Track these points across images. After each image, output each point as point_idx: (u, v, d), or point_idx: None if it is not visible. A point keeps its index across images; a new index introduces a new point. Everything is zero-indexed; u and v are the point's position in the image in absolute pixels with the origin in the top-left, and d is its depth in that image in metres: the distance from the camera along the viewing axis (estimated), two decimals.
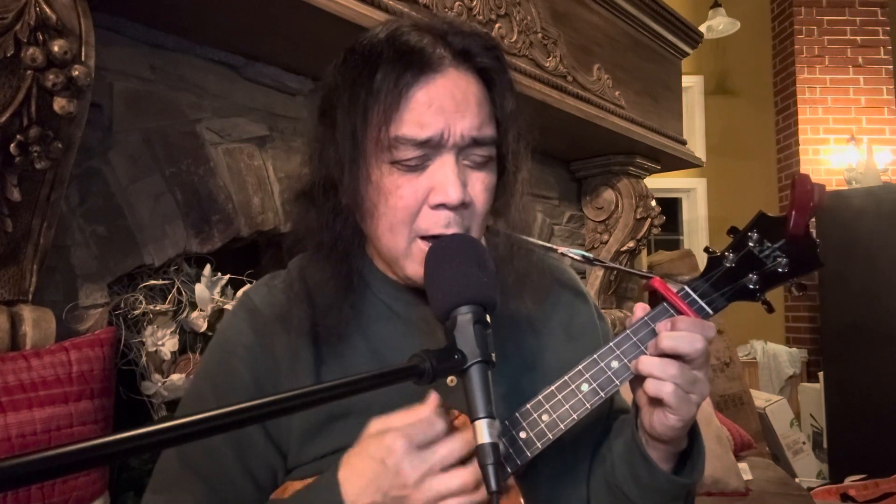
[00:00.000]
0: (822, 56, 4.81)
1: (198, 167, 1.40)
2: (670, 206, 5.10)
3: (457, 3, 1.68)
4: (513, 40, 1.90)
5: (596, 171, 2.70)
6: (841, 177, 4.53)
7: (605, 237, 2.71)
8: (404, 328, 0.78)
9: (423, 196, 0.70)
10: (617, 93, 2.36)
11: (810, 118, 4.80)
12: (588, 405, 0.72)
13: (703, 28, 4.29)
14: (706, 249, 0.80)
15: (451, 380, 0.75)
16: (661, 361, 0.69)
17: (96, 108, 1.23)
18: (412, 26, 0.72)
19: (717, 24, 4.53)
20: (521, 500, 0.68)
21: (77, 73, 0.97)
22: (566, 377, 0.73)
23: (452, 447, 0.60)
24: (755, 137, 5.14)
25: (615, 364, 0.73)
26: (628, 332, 0.74)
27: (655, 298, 0.78)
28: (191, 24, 1.34)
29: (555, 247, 0.98)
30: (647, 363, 0.69)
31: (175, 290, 1.35)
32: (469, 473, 0.59)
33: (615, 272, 2.67)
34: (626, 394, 0.80)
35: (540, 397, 0.72)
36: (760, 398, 3.88)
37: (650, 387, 0.69)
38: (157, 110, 1.34)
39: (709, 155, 4.96)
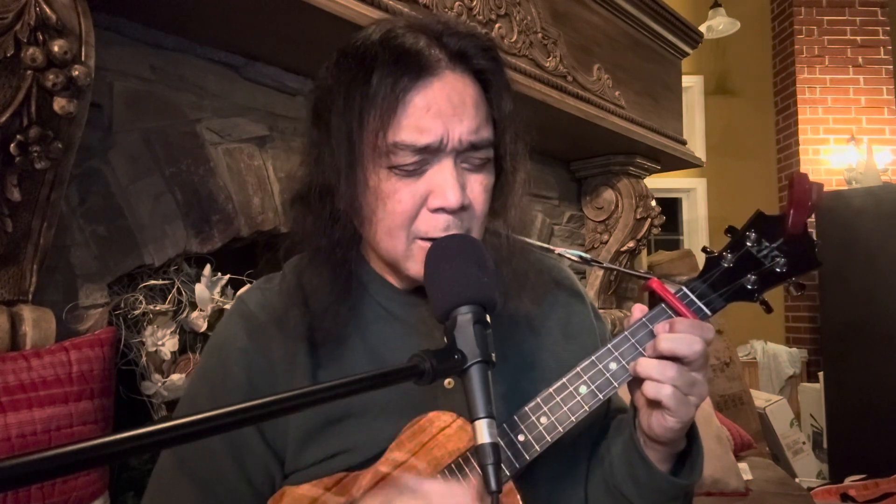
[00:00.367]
0: (822, 56, 4.81)
1: (198, 167, 1.40)
2: (670, 206, 5.10)
3: (457, 3, 1.68)
4: (513, 40, 1.90)
5: (596, 171, 2.70)
6: (841, 177, 4.53)
7: (605, 237, 2.71)
8: (402, 330, 0.77)
9: (422, 200, 0.69)
10: (617, 93, 2.36)
11: (810, 118, 4.80)
12: (586, 407, 0.72)
13: (703, 28, 4.29)
14: (704, 249, 0.80)
15: (448, 382, 0.75)
16: (660, 363, 0.69)
17: (96, 108, 1.23)
18: (406, 27, 0.71)
19: (717, 24, 4.52)
20: (520, 503, 0.68)
21: (77, 73, 0.97)
22: (564, 379, 0.73)
23: None
24: (755, 137, 5.14)
25: (613, 366, 0.73)
26: (626, 333, 0.74)
27: (655, 299, 0.77)
28: (191, 24, 1.34)
29: (552, 247, 0.98)
30: (646, 365, 0.69)
31: (175, 290, 1.35)
32: None
33: (615, 272, 2.67)
34: (624, 393, 0.80)
35: (538, 400, 0.72)
36: (760, 398, 3.88)
37: (648, 389, 0.69)
38: (157, 110, 1.34)
39: (709, 155, 4.96)
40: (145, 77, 1.33)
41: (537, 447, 0.70)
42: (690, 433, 0.75)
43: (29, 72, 0.93)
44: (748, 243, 0.77)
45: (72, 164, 1.08)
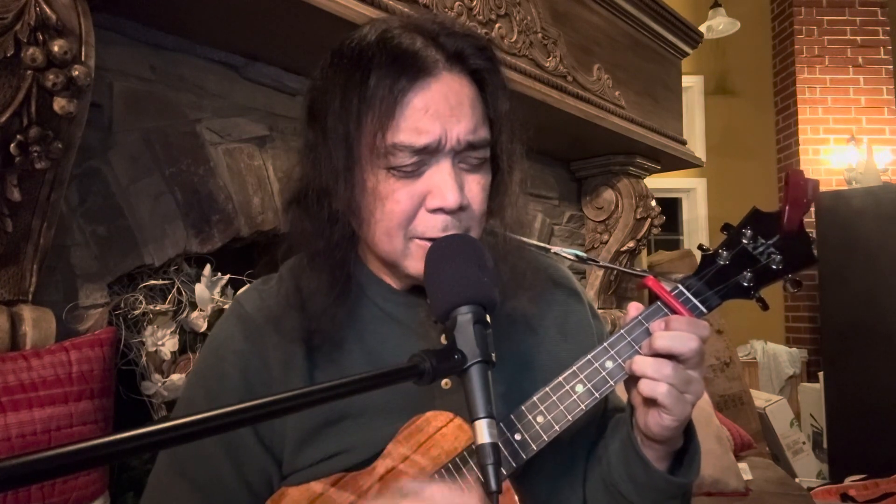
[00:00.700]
0: (822, 56, 4.81)
1: (198, 167, 1.40)
2: (670, 206, 5.10)
3: (457, 3, 1.68)
4: (513, 40, 1.90)
5: (596, 171, 2.70)
6: (841, 177, 4.53)
7: (605, 237, 2.71)
8: (400, 331, 0.77)
9: (420, 200, 0.69)
10: (617, 93, 2.36)
11: (810, 118, 4.80)
12: (583, 406, 0.72)
13: (703, 28, 4.29)
14: (700, 247, 0.79)
15: (445, 383, 0.75)
16: (656, 361, 0.69)
17: (96, 108, 1.23)
18: (401, 27, 0.71)
19: (717, 24, 4.52)
20: (518, 502, 0.68)
21: (77, 73, 0.97)
22: (560, 378, 0.73)
23: None
24: (755, 137, 5.14)
25: (610, 364, 0.73)
26: (622, 331, 0.74)
27: (653, 298, 0.77)
28: (191, 24, 1.34)
29: (548, 246, 0.98)
30: (641, 363, 0.69)
31: (175, 290, 1.35)
32: None
33: (615, 272, 2.67)
34: (622, 392, 0.80)
35: (535, 398, 0.72)
36: (760, 398, 3.88)
37: (644, 387, 0.69)
38: (157, 110, 1.34)
39: (709, 155, 4.96)
40: (145, 77, 1.33)
41: (534, 446, 0.70)
42: (688, 432, 0.76)
43: (29, 72, 0.93)
44: (744, 240, 0.77)
45: (72, 164, 1.08)
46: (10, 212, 1.01)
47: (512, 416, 0.72)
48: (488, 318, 0.61)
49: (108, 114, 1.26)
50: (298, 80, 1.60)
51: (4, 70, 0.92)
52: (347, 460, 0.71)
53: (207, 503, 0.73)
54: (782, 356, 4.56)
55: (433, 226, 0.69)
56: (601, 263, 1.02)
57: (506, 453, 0.70)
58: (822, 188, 3.84)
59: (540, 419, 0.71)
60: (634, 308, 0.76)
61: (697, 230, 5.15)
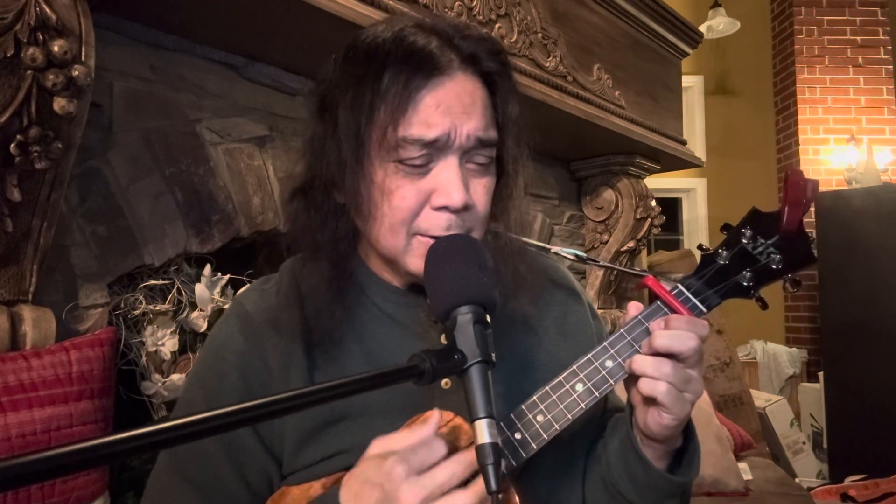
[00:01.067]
0: (822, 56, 4.81)
1: (198, 167, 1.40)
2: (670, 206, 5.10)
3: (457, 3, 1.68)
4: (513, 40, 1.90)
5: (596, 171, 2.70)
6: (841, 177, 4.53)
7: (605, 237, 2.71)
8: (399, 331, 0.77)
9: (425, 198, 0.70)
10: (617, 93, 2.36)
11: (810, 118, 4.80)
12: (583, 405, 0.72)
13: (703, 28, 4.29)
14: (700, 247, 0.80)
15: (445, 383, 0.75)
16: (655, 360, 0.69)
17: (96, 108, 1.23)
18: (417, 27, 0.71)
19: (717, 24, 4.52)
20: (517, 501, 0.68)
21: (77, 73, 0.97)
22: (560, 377, 0.73)
23: (453, 471, 0.59)
24: (755, 137, 5.14)
25: (609, 363, 0.73)
26: (622, 331, 0.74)
27: (652, 297, 0.78)
28: (191, 24, 1.34)
29: (548, 246, 0.98)
30: (641, 362, 0.70)
31: (175, 290, 1.35)
32: (469, 496, 0.58)
33: (615, 272, 2.67)
34: (621, 392, 0.80)
35: (535, 398, 0.72)
36: (760, 398, 3.88)
37: (644, 386, 0.69)
38: (157, 110, 1.34)
39: (709, 155, 4.96)
40: (145, 77, 1.33)
41: (534, 445, 0.71)
42: (687, 431, 0.76)
43: (29, 72, 0.93)
44: (744, 240, 0.77)
45: (72, 164, 1.08)
46: (10, 212, 1.01)
47: (512, 415, 0.72)
48: (488, 318, 0.61)
49: (108, 114, 1.26)
50: (298, 80, 1.60)
51: (4, 70, 0.92)
52: (347, 460, 0.71)
53: (207, 501, 0.73)
54: (782, 356, 4.56)
55: (437, 224, 0.70)
56: (601, 263, 1.02)
57: (506, 452, 0.70)
58: (822, 188, 3.85)
59: (540, 418, 0.71)
60: (634, 307, 0.76)
61: (697, 230, 5.15)
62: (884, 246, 3.75)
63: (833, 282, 3.94)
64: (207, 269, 1.39)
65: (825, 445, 3.98)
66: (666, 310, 0.75)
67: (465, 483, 0.60)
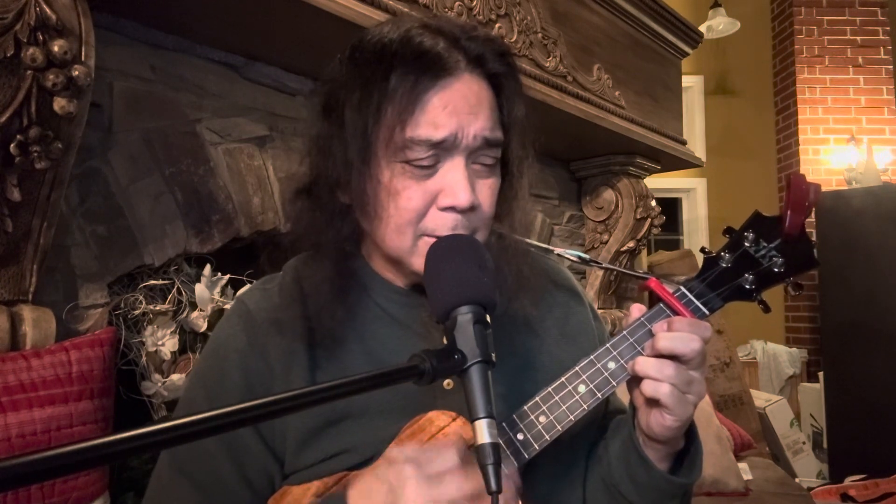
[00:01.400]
0: (822, 56, 4.81)
1: (198, 167, 1.40)
2: (670, 206, 5.10)
3: (457, 3, 1.68)
4: (513, 40, 1.90)
5: (596, 171, 2.70)
6: (841, 177, 4.53)
7: (605, 237, 2.71)
8: (400, 331, 0.77)
9: (432, 198, 0.70)
10: (617, 93, 2.36)
11: (810, 118, 4.80)
12: (585, 406, 0.72)
13: (703, 28, 4.29)
14: (702, 250, 0.80)
15: (447, 383, 0.75)
16: (658, 362, 0.69)
17: (96, 108, 1.23)
18: (423, 27, 0.72)
19: (717, 24, 4.52)
20: (519, 501, 0.68)
21: (77, 73, 0.97)
22: (563, 378, 0.73)
23: (462, 485, 0.59)
24: (755, 137, 5.14)
25: (612, 365, 0.73)
26: (625, 332, 0.74)
27: (654, 299, 0.78)
28: (191, 24, 1.34)
29: (551, 248, 0.99)
30: (644, 364, 0.70)
31: (175, 290, 1.35)
32: None
33: (615, 272, 2.67)
34: (623, 394, 0.80)
35: (537, 399, 0.73)
36: (760, 398, 3.88)
37: (647, 387, 0.69)
38: (157, 110, 1.34)
39: (709, 155, 4.96)
40: (145, 77, 1.33)
41: (536, 446, 0.71)
42: (689, 432, 0.76)
43: (29, 72, 0.93)
44: (746, 244, 0.77)
45: (72, 164, 1.08)
46: (10, 212, 1.01)
47: (514, 416, 0.72)
48: (488, 318, 0.61)
49: (108, 114, 1.26)
50: (298, 80, 1.60)
51: (4, 70, 0.92)
52: (349, 460, 0.71)
53: (208, 501, 0.73)
54: (782, 356, 4.56)
55: (443, 224, 0.70)
56: (604, 265, 1.02)
57: (507, 452, 0.70)
58: (822, 188, 3.85)
59: (542, 419, 0.71)
60: (637, 309, 0.76)
61: (697, 230, 5.15)
62: (884, 246, 3.75)
63: (833, 282, 3.94)
64: (207, 269, 1.39)
65: (825, 445, 3.98)
66: (668, 312, 0.75)
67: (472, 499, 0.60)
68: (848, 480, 3.19)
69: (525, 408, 0.72)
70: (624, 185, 2.66)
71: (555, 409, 0.72)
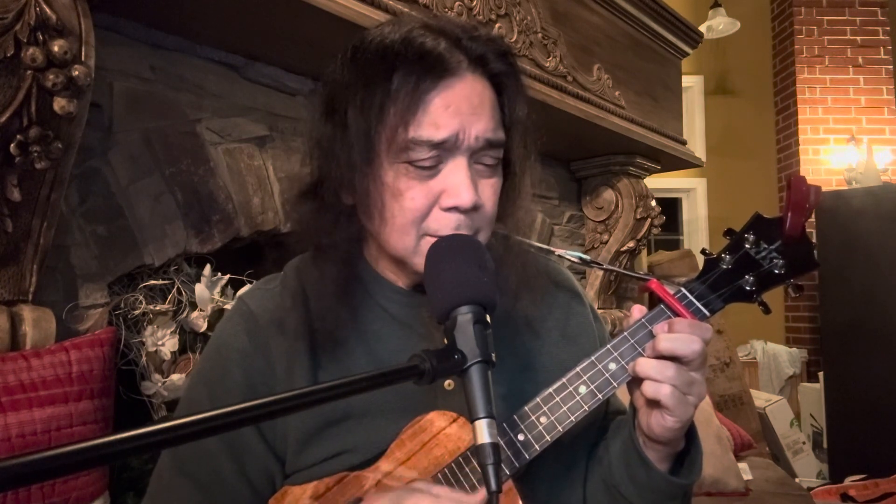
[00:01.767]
0: (822, 56, 4.81)
1: (198, 167, 1.40)
2: (670, 206, 5.10)
3: (457, 3, 1.68)
4: (513, 40, 1.90)
5: (596, 171, 2.70)
6: (841, 177, 4.53)
7: (605, 237, 2.71)
8: (403, 332, 0.77)
9: (435, 198, 0.70)
10: (617, 93, 2.36)
11: (810, 118, 4.80)
12: (585, 407, 0.72)
13: (703, 28, 4.29)
14: (703, 251, 0.80)
15: (448, 383, 0.75)
16: (659, 363, 0.69)
17: (96, 108, 1.23)
18: (425, 27, 0.72)
19: (717, 24, 4.53)
20: (520, 502, 0.68)
21: (77, 73, 0.97)
22: (564, 379, 0.73)
23: None
24: (755, 137, 5.14)
25: (613, 366, 0.73)
26: (626, 334, 0.74)
27: (655, 300, 0.78)
28: (191, 24, 1.34)
29: (552, 248, 0.99)
30: (645, 365, 0.70)
31: (175, 290, 1.35)
32: None
33: (615, 272, 2.67)
34: (624, 395, 0.80)
35: (538, 400, 0.73)
36: (760, 398, 3.88)
37: (647, 388, 0.69)
38: (157, 110, 1.34)
39: (709, 155, 4.96)
40: (145, 77, 1.33)
41: (537, 447, 0.71)
42: (689, 433, 0.76)
43: (29, 72, 0.93)
44: (746, 245, 0.77)
45: (72, 164, 1.08)
46: (10, 212, 1.01)
47: (515, 417, 0.72)
48: (488, 319, 0.61)
49: (108, 114, 1.26)
50: (298, 80, 1.60)
51: (4, 70, 0.92)
52: (350, 460, 0.71)
53: (209, 501, 0.73)
54: (782, 356, 4.56)
55: (446, 224, 0.70)
56: (605, 266, 1.02)
57: (508, 453, 0.70)
58: (823, 188, 3.85)
59: (543, 420, 0.71)
60: (637, 310, 0.76)
61: (697, 230, 5.15)
62: (884, 246, 3.75)
63: (833, 282, 3.94)
64: (207, 269, 1.39)
65: (825, 445, 3.98)
66: (669, 313, 0.75)
67: None
68: (848, 480, 3.19)
69: (526, 408, 0.72)
70: (624, 185, 2.66)
71: (556, 410, 0.72)
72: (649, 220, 2.68)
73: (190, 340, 1.35)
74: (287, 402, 0.48)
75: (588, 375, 0.73)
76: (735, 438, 2.76)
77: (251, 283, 1.44)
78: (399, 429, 0.71)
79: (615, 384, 0.73)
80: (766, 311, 0.78)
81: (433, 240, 0.70)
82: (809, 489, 2.90)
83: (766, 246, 0.77)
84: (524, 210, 0.80)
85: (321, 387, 0.50)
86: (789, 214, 0.75)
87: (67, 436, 1.03)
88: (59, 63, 0.95)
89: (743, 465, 2.54)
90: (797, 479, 3.17)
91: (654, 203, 2.72)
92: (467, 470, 0.69)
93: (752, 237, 0.77)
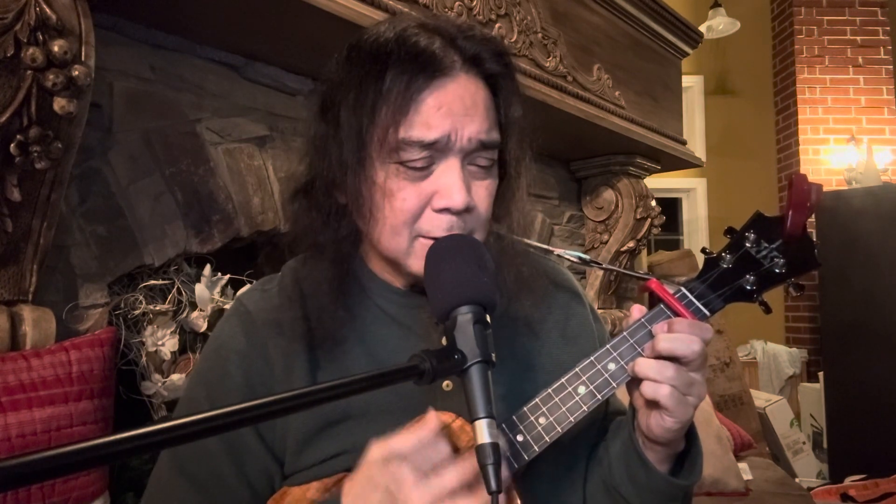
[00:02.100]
0: (822, 56, 4.81)
1: (198, 167, 1.40)
2: (670, 206, 5.10)
3: (457, 3, 1.68)
4: (513, 40, 1.90)
5: (596, 171, 2.70)
6: (841, 177, 4.53)
7: (605, 237, 2.71)
8: (400, 332, 0.77)
9: (427, 199, 0.70)
10: (617, 93, 2.36)
11: (810, 118, 4.80)
12: (585, 408, 0.72)
13: (703, 28, 4.29)
14: (703, 250, 0.80)
15: (446, 384, 0.75)
16: (658, 363, 0.69)
17: (96, 108, 1.23)
18: (420, 26, 0.71)
19: (717, 24, 4.53)
20: (519, 503, 0.68)
21: (77, 73, 0.97)
22: (563, 380, 0.73)
23: (461, 473, 0.58)
24: (755, 137, 5.14)
25: (612, 366, 0.73)
26: (625, 334, 0.74)
27: (654, 300, 0.77)
28: (191, 24, 1.34)
29: (551, 248, 0.98)
30: (644, 365, 0.69)
31: (175, 290, 1.35)
32: (477, 500, 0.58)
33: (615, 272, 2.67)
34: (623, 395, 0.80)
35: (537, 400, 0.72)
36: (760, 398, 3.88)
37: (647, 389, 0.69)
38: (157, 110, 1.34)
39: (709, 155, 4.96)
40: (145, 77, 1.33)
41: (536, 447, 0.70)
42: (690, 434, 0.75)
43: (29, 72, 0.93)
44: (747, 244, 0.77)
45: (72, 164, 1.08)
46: (10, 212, 1.01)
47: (514, 417, 0.72)
48: (488, 319, 0.61)
49: (108, 114, 1.26)
50: (298, 80, 1.60)
51: (4, 70, 0.92)
52: (349, 460, 0.71)
53: (208, 501, 0.73)
54: (782, 356, 4.56)
55: (438, 225, 0.70)
56: (604, 266, 1.02)
57: (508, 454, 0.70)
58: (823, 188, 3.85)
59: (542, 420, 0.71)
60: (637, 310, 0.76)
61: (697, 230, 5.15)
62: (884, 246, 3.75)
63: (833, 282, 3.94)
64: (207, 269, 1.39)
65: (825, 445, 3.98)
66: (669, 313, 0.74)
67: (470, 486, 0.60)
68: (848, 480, 3.19)
69: (525, 409, 0.72)
70: (624, 185, 2.66)
71: (555, 411, 0.71)
72: (649, 220, 2.68)
73: (190, 340, 1.35)
74: (288, 402, 0.48)
75: (587, 376, 0.73)
76: (735, 438, 2.76)
77: (251, 283, 1.44)
78: (398, 429, 0.71)
79: (614, 384, 0.73)
80: (767, 310, 0.78)
81: (426, 241, 0.69)
82: (809, 489, 2.90)
83: (766, 245, 0.76)
84: (521, 211, 0.79)
85: (321, 387, 0.50)
86: (790, 213, 0.75)
87: (67, 436, 1.03)
88: (59, 63, 0.95)
89: (743, 465, 2.54)
90: (797, 479, 3.17)
91: (654, 203, 2.72)
92: None
93: (752, 236, 0.77)
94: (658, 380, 0.68)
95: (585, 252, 2.70)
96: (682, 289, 0.76)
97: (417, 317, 0.77)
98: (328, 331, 0.74)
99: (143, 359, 1.27)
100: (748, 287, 0.76)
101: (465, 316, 0.60)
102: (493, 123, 0.72)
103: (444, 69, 0.69)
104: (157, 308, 1.31)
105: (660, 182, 4.25)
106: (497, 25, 1.84)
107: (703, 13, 4.69)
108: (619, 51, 2.39)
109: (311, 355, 0.75)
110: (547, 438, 0.71)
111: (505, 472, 0.68)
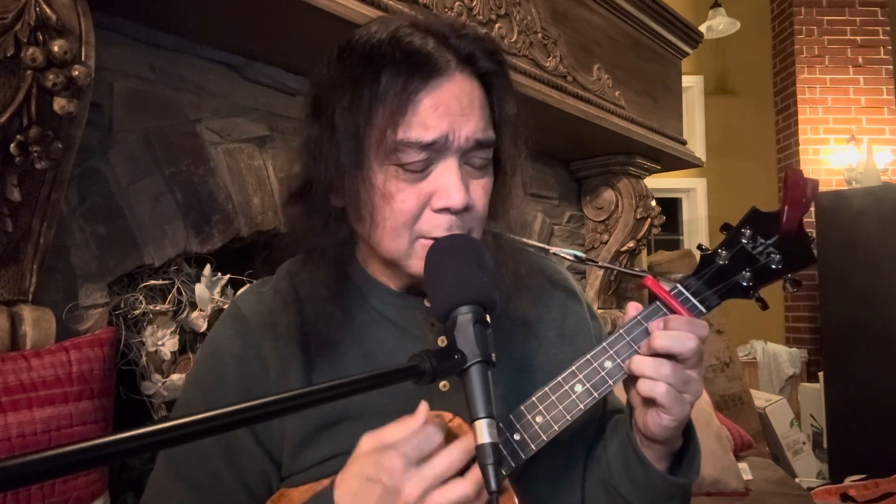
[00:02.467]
0: (822, 56, 4.81)
1: (198, 167, 1.40)
2: (670, 206, 5.10)
3: (457, 3, 1.68)
4: (513, 40, 1.90)
5: (596, 171, 2.70)
6: (841, 177, 4.53)
7: (605, 237, 2.71)
8: (397, 334, 0.77)
9: (426, 200, 0.69)
10: (617, 93, 2.36)
11: (810, 118, 4.80)
12: (581, 406, 0.72)
13: (703, 28, 4.29)
14: (699, 247, 0.79)
15: (443, 385, 0.75)
16: (654, 361, 0.68)
17: (96, 108, 1.23)
18: (412, 26, 0.71)
19: (717, 24, 4.53)
20: (516, 502, 0.68)
21: (77, 73, 0.97)
22: (559, 378, 0.73)
23: (451, 459, 0.59)
24: (755, 137, 5.14)
25: (608, 364, 0.73)
26: (621, 331, 0.74)
27: (652, 297, 0.77)
28: (191, 24, 1.34)
29: (547, 247, 0.98)
30: (640, 363, 0.69)
31: (175, 290, 1.35)
32: (469, 484, 0.58)
33: (615, 271, 2.67)
34: (621, 393, 0.80)
35: (533, 398, 0.72)
36: (760, 398, 3.88)
37: (643, 387, 0.69)
38: (157, 110, 1.34)
39: (709, 155, 4.96)
40: (145, 77, 1.33)
41: (533, 446, 0.70)
42: (687, 432, 0.75)
43: (29, 72, 0.93)
44: (743, 240, 0.76)
45: (72, 164, 1.08)
46: (10, 212, 1.01)
47: (511, 416, 0.72)
48: (488, 319, 0.61)
49: (108, 114, 1.26)
50: (298, 80, 1.60)
51: (4, 70, 0.92)
52: (347, 462, 0.71)
53: (205, 503, 0.73)
54: (782, 356, 4.56)
55: (438, 225, 0.69)
56: (600, 264, 1.02)
57: (505, 453, 0.69)
58: (822, 188, 3.85)
59: (539, 419, 0.71)
60: (633, 308, 0.76)
61: (697, 230, 5.15)
62: (884, 246, 3.75)
63: (833, 282, 3.93)
64: (207, 269, 1.39)
65: (825, 445, 3.98)
66: (665, 310, 0.74)
67: (461, 472, 0.60)
68: (848, 480, 3.19)
69: (522, 408, 0.72)
70: (624, 185, 2.66)
71: (551, 409, 0.71)
72: (649, 220, 2.68)
73: (190, 340, 1.36)
74: (285, 403, 0.48)
75: (584, 374, 0.72)
76: (735, 438, 2.76)
77: (251, 282, 1.44)
78: None
79: (611, 382, 0.72)
80: (764, 306, 0.78)
81: (426, 241, 0.69)
82: (809, 489, 2.90)
83: (763, 241, 0.76)
84: (517, 209, 0.79)
85: (320, 387, 0.50)
86: (786, 209, 0.74)
87: (67, 436, 1.03)
88: (59, 63, 0.95)
89: (743, 465, 2.54)
90: (797, 479, 3.17)
91: (654, 203, 2.72)
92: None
93: (748, 232, 0.76)
94: (654, 377, 0.68)
95: (585, 252, 2.70)
96: (678, 286, 0.76)
97: (414, 318, 0.77)
98: (324, 333, 0.73)
99: (143, 359, 1.27)
100: (744, 283, 0.76)
101: (465, 316, 0.60)
102: (488, 122, 0.72)
103: (440, 69, 0.68)
104: (157, 308, 1.32)
105: (660, 182, 4.25)
106: (497, 25, 1.84)
107: (703, 13, 4.69)
108: (619, 51, 2.39)
109: (306, 358, 0.74)
110: (544, 437, 0.71)
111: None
